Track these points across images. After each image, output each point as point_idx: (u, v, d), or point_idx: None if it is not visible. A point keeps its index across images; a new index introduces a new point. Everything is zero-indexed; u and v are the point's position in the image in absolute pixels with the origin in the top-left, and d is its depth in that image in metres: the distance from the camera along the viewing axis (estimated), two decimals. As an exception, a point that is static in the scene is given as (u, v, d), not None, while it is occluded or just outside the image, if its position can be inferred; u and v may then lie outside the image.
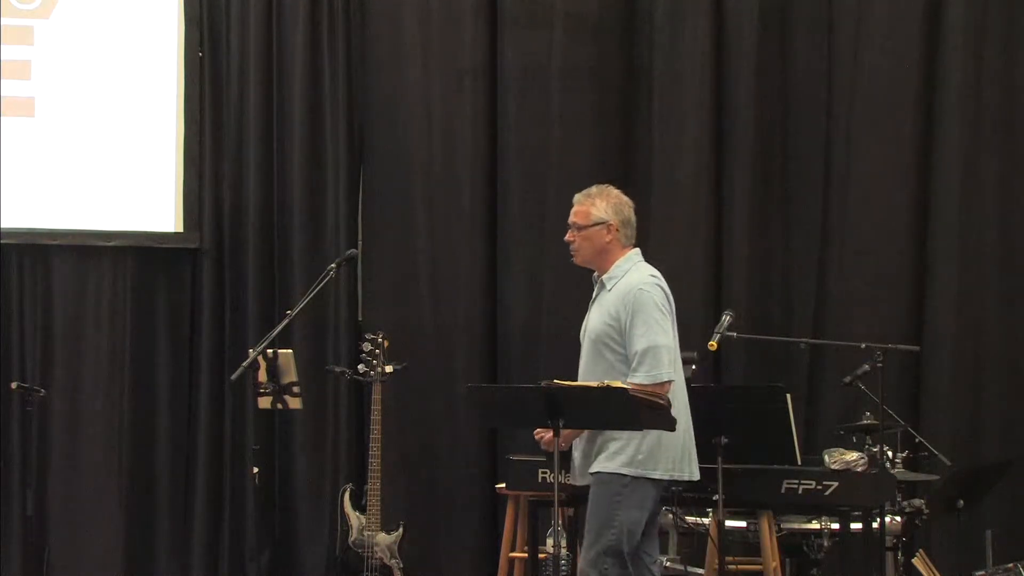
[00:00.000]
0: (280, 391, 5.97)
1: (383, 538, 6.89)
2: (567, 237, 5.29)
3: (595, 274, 5.34)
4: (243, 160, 7.77)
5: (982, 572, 5.95)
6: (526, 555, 6.20)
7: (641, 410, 4.98)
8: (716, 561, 5.60)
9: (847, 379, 6.12)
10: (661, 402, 5.00)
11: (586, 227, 5.24)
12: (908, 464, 6.15)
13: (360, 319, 7.65)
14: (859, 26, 7.34)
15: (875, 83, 7.31)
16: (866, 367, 5.99)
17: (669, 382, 5.06)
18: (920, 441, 6.24)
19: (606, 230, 5.24)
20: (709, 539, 5.77)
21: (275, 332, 5.68)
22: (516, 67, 7.60)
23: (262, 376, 5.96)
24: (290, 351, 6.03)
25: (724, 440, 5.30)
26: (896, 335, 6.83)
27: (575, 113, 7.57)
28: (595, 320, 5.21)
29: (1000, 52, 7.23)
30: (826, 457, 5.82)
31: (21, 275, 7.76)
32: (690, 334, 6.94)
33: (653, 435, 5.06)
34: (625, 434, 5.07)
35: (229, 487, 7.72)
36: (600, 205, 5.26)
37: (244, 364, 5.97)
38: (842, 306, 7.31)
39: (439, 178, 7.63)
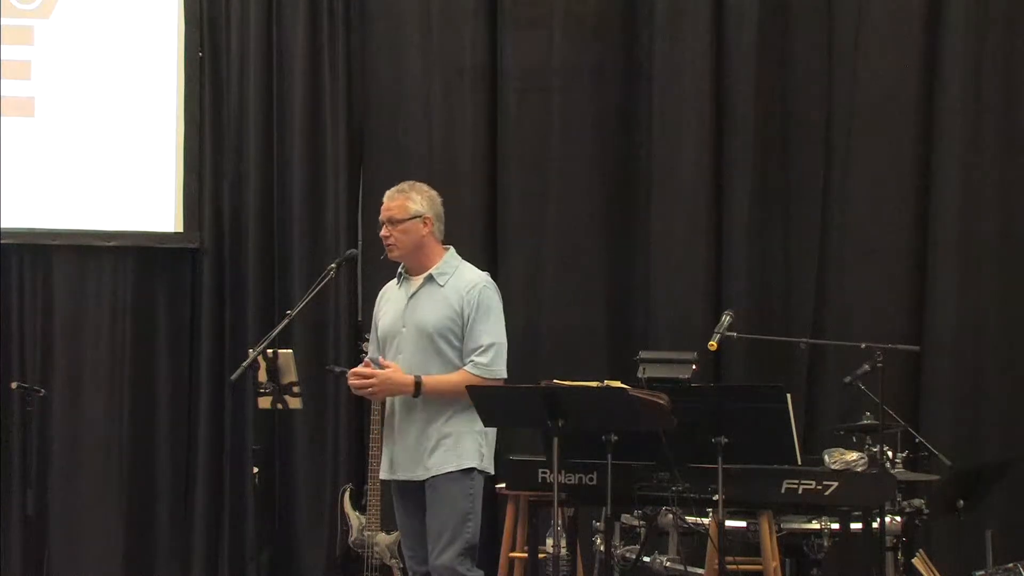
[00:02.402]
0: (280, 391, 5.97)
1: (383, 538, 6.90)
2: (383, 233, 5.31)
3: (402, 269, 5.38)
4: (243, 160, 7.78)
5: (982, 572, 5.94)
6: (526, 555, 6.20)
7: (641, 409, 4.98)
8: (716, 561, 5.59)
9: (847, 379, 6.11)
10: (661, 402, 5.00)
11: (403, 221, 5.28)
12: (908, 464, 6.14)
13: (360, 319, 7.65)
14: (859, 26, 7.33)
15: (875, 83, 7.30)
16: (866, 367, 5.98)
17: (503, 379, 5.27)
18: (920, 441, 6.24)
19: (423, 223, 5.30)
20: (709, 539, 5.77)
21: (275, 332, 5.68)
22: (516, 67, 7.60)
23: (262, 376, 5.96)
24: (290, 351, 6.02)
25: (724, 440, 5.29)
26: (896, 335, 6.82)
27: (575, 113, 7.56)
28: (430, 314, 5.23)
29: (1000, 52, 7.22)
30: (826, 457, 5.81)
31: (21, 275, 7.77)
32: (690, 334, 7.00)
33: (482, 429, 5.22)
34: (466, 424, 5.17)
35: (229, 487, 7.73)
36: (416, 199, 5.32)
37: (244, 364, 5.97)
38: (842, 306, 7.30)
39: (439, 178, 7.58)
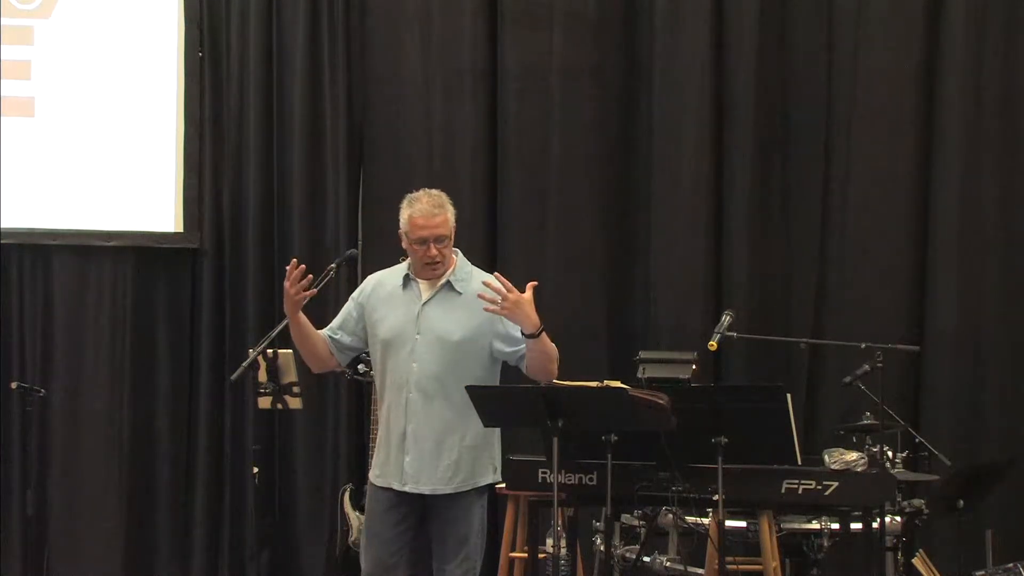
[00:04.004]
0: (280, 391, 5.99)
1: (383, 538, 6.88)
2: (432, 252, 5.01)
3: (409, 271, 5.14)
4: (243, 160, 7.78)
5: (982, 572, 5.95)
6: (526, 555, 6.20)
7: (641, 410, 4.98)
8: (716, 561, 5.59)
9: (847, 379, 6.12)
10: (661, 402, 5.00)
11: (450, 235, 5.07)
12: (908, 464, 6.15)
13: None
14: (859, 25, 7.34)
15: (875, 82, 7.31)
16: (866, 367, 5.99)
17: None
18: (920, 441, 6.24)
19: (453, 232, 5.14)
20: (709, 539, 5.77)
21: (275, 332, 5.68)
22: (516, 67, 7.60)
23: (262, 376, 5.98)
24: (290, 351, 6.03)
25: (724, 440, 5.29)
26: (896, 335, 6.83)
27: (575, 113, 7.56)
28: (454, 325, 5.02)
29: (1000, 51, 7.23)
30: (826, 457, 5.81)
31: (21, 275, 7.77)
32: (690, 334, 7.01)
33: (496, 438, 5.12)
34: (483, 438, 5.05)
35: (229, 487, 7.73)
36: (451, 209, 5.09)
37: (244, 364, 5.98)
38: (842, 306, 7.31)
39: (439, 178, 7.60)
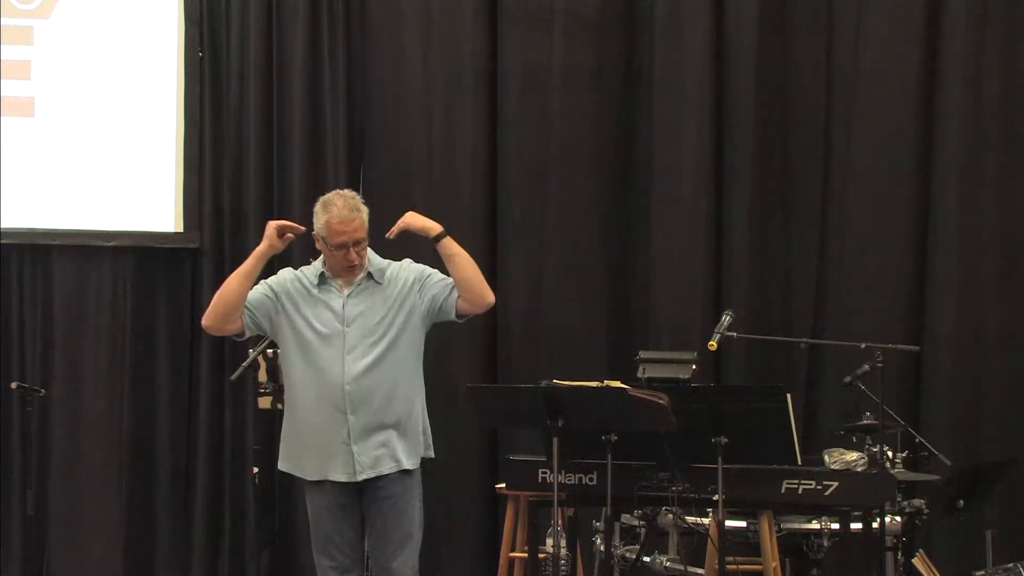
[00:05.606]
0: (280, 391, 5.97)
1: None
2: (351, 256, 5.08)
3: (324, 271, 5.17)
4: (243, 160, 7.78)
5: (982, 572, 5.95)
6: (526, 555, 6.20)
7: (641, 410, 4.99)
8: (716, 561, 5.59)
9: (847, 379, 6.12)
10: (661, 402, 5.01)
11: (365, 238, 5.13)
12: (908, 464, 6.15)
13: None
14: (859, 26, 7.33)
15: (875, 83, 7.31)
16: (866, 367, 5.98)
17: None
18: (920, 441, 6.24)
19: None
20: (709, 539, 5.77)
21: (275, 332, 5.67)
22: (516, 67, 7.61)
23: (262, 376, 5.97)
24: (290, 351, 6.01)
25: (724, 440, 5.30)
26: (896, 335, 6.83)
27: (575, 113, 7.56)
28: (378, 311, 5.10)
29: (1000, 52, 7.22)
30: (826, 457, 5.82)
31: (21, 275, 7.77)
32: (690, 334, 7.01)
33: (425, 411, 5.20)
34: (417, 415, 5.16)
35: (229, 487, 7.73)
36: (366, 210, 5.15)
37: (244, 364, 5.99)
38: (842, 306, 7.31)
39: (439, 178, 7.63)
